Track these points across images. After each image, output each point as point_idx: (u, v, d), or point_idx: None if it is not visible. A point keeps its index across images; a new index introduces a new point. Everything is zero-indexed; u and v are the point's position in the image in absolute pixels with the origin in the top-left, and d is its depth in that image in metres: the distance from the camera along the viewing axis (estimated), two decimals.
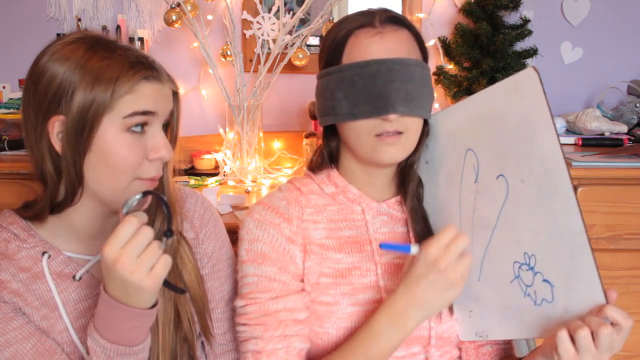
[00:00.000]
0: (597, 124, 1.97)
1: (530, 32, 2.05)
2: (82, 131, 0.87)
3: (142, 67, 0.91)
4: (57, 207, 0.94)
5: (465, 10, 2.07)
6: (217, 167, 1.99)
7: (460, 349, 1.08)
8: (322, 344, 1.00)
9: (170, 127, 0.99)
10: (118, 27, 2.02)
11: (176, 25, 1.84)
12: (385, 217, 1.05)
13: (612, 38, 2.21)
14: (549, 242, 0.89)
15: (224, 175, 1.91)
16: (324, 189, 1.07)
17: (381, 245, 0.95)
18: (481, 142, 0.97)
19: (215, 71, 1.90)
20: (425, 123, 1.03)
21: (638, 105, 2.04)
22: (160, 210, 0.99)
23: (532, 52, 2.05)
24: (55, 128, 0.89)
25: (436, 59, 2.17)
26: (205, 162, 2.00)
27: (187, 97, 2.17)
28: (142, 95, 0.90)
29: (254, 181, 1.88)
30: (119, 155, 0.89)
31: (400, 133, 0.97)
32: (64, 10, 2.10)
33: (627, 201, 1.65)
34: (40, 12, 2.10)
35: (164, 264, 0.83)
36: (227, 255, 1.12)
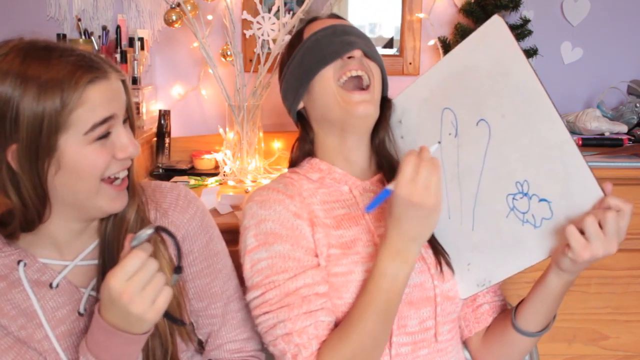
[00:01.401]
0: (597, 124, 1.96)
1: (530, 32, 2.05)
2: (37, 156, 0.84)
3: (83, 71, 0.85)
4: (27, 227, 0.91)
5: (465, 10, 2.07)
6: (217, 167, 1.99)
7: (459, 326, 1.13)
8: (342, 316, 1.00)
9: (128, 118, 0.95)
10: (118, 27, 2.02)
11: (176, 25, 1.84)
12: (372, 194, 1.10)
13: (612, 38, 2.21)
14: (540, 160, 0.95)
15: (224, 175, 1.91)
16: (310, 177, 1.11)
17: (367, 209, 0.98)
18: (456, 97, 1.02)
19: (215, 71, 1.90)
20: (389, 106, 1.13)
21: (638, 105, 2.04)
22: (132, 207, 0.98)
23: (532, 52, 2.05)
24: (14, 158, 0.86)
25: (436, 59, 2.16)
26: (205, 162, 2.00)
27: (187, 97, 2.17)
28: (94, 105, 0.86)
29: (254, 181, 1.88)
30: (89, 163, 0.87)
31: (366, 89, 1.07)
32: (64, 10, 2.10)
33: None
34: (40, 12, 2.10)
35: (166, 297, 0.83)
36: (217, 250, 1.09)
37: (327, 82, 1.06)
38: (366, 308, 0.95)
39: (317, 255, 1.02)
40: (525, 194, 0.97)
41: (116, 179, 0.93)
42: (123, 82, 0.93)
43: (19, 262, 0.94)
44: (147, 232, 0.85)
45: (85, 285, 0.98)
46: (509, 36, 0.93)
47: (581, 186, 0.93)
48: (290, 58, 1.13)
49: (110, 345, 0.84)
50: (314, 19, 1.16)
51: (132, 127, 0.96)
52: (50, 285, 0.95)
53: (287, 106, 1.15)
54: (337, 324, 1.00)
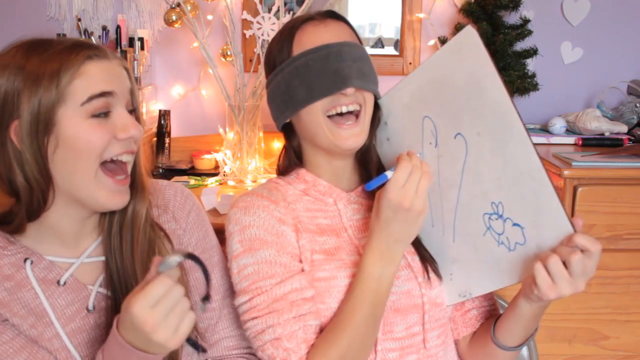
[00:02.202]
0: (597, 124, 1.97)
1: (530, 32, 2.05)
2: (37, 130, 0.86)
3: (82, 48, 0.88)
4: (33, 214, 0.91)
5: (465, 10, 2.07)
6: (217, 167, 1.99)
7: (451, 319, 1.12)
8: (325, 321, 1.01)
9: (134, 110, 0.96)
10: (118, 27, 2.02)
11: (176, 25, 1.84)
12: (356, 205, 1.10)
13: (612, 38, 2.21)
14: (512, 185, 0.92)
15: (224, 175, 1.91)
16: (295, 187, 1.10)
17: (366, 187, 0.99)
18: (435, 107, 1.00)
19: (215, 71, 1.90)
20: (376, 106, 1.09)
21: (638, 105, 2.04)
22: (138, 204, 0.97)
23: (532, 52, 2.05)
24: (17, 135, 0.87)
25: None
26: (205, 162, 2.01)
27: (187, 97, 2.17)
28: (91, 77, 0.87)
29: (254, 181, 1.88)
30: (86, 139, 0.87)
31: (356, 117, 1.04)
32: (64, 10, 2.10)
33: (627, 201, 1.65)
34: (40, 12, 2.10)
35: (189, 324, 0.81)
36: (212, 244, 1.10)
37: (315, 113, 1.03)
38: (353, 310, 0.96)
39: (301, 261, 1.02)
40: (500, 216, 0.95)
41: (119, 167, 0.93)
42: (127, 70, 0.94)
43: (25, 260, 0.94)
44: (177, 258, 0.82)
45: (92, 282, 0.98)
46: (482, 50, 0.90)
47: (551, 218, 0.90)
48: (277, 69, 1.07)
49: None
50: (308, 20, 1.07)
51: (138, 119, 0.96)
52: (58, 283, 0.95)
53: (272, 116, 1.13)
54: (321, 329, 1.01)
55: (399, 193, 0.93)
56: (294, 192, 1.09)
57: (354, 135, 1.03)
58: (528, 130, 0.89)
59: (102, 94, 0.88)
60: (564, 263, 0.88)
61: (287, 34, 1.07)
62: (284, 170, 1.13)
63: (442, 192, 1.02)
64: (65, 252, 0.97)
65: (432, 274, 1.06)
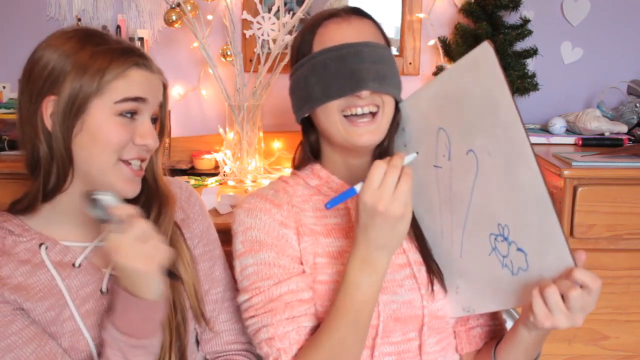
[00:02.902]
0: (597, 124, 1.97)
1: (530, 32, 2.05)
2: (71, 111, 0.92)
3: (133, 54, 0.95)
4: (49, 193, 0.95)
5: (465, 10, 2.07)
6: (217, 167, 1.99)
7: (454, 332, 1.11)
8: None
9: (159, 120, 1.02)
10: (118, 27, 2.02)
11: (176, 25, 1.84)
12: None
13: (612, 38, 2.21)
14: (519, 210, 0.91)
15: (224, 175, 1.91)
16: (308, 182, 1.10)
17: (326, 205, 0.94)
18: (450, 120, 0.99)
19: (215, 71, 1.90)
20: (397, 109, 1.07)
21: (638, 105, 2.04)
22: (155, 205, 1.03)
23: (532, 52, 2.05)
24: (49, 108, 0.93)
25: (436, 59, 2.17)
26: (205, 162, 2.00)
27: (187, 97, 2.17)
28: (132, 81, 0.94)
29: (254, 181, 1.88)
30: (107, 134, 0.93)
31: (373, 115, 1.02)
32: (64, 10, 2.10)
33: (627, 201, 1.65)
34: (40, 12, 2.10)
35: (163, 252, 0.89)
36: (214, 237, 1.15)
37: (331, 112, 1.02)
38: (336, 316, 0.95)
39: (302, 264, 1.03)
40: (506, 239, 0.94)
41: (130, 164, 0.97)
42: (164, 86, 1.01)
43: (40, 245, 0.97)
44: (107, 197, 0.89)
45: (105, 265, 1.01)
46: (497, 68, 0.89)
47: (554, 249, 0.89)
48: (297, 64, 1.06)
49: (127, 314, 0.90)
50: (332, 16, 1.05)
51: (162, 131, 1.03)
52: (73, 265, 0.98)
53: (292, 108, 1.12)
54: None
55: (373, 195, 0.89)
56: (303, 193, 1.09)
57: (369, 132, 1.02)
58: (537, 157, 0.88)
59: (136, 99, 0.94)
60: (563, 296, 0.86)
61: (310, 28, 1.06)
62: (299, 164, 1.14)
63: (453, 206, 1.01)
64: (79, 237, 1.01)
65: (436, 287, 1.05)
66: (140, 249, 0.86)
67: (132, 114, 0.95)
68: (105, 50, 0.93)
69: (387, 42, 1.09)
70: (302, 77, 1.05)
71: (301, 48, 1.06)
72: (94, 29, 0.99)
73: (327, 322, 0.96)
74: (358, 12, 1.07)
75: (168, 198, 1.04)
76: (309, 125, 1.11)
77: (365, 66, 1.00)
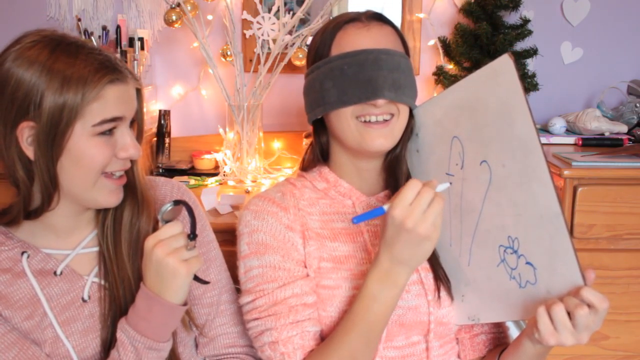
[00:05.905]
0: (597, 124, 1.97)
1: (530, 32, 2.05)
2: (54, 137, 0.89)
3: (107, 70, 0.91)
4: (33, 212, 0.95)
5: (465, 10, 2.07)
6: (217, 167, 1.99)
7: (457, 339, 1.11)
8: (326, 329, 1.01)
9: (135, 123, 1.01)
10: (118, 27, 2.02)
11: (176, 25, 1.84)
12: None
13: (612, 38, 2.21)
14: (530, 225, 0.91)
15: (224, 175, 1.91)
16: (316, 185, 1.10)
17: (354, 220, 0.94)
18: (465, 129, 0.98)
19: (215, 71, 1.90)
20: (411, 115, 1.06)
21: (638, 105, 2.04)
22: (131, 206, 1.03)
23: (532, 52, 2.04)
24: (25, 133, 0.90)
25: (436, 59, 2.17)
26: (205, 162, 2.00)
27: (187, 97, 2.17)
28: (108, 102, 0.91)
29: (254, 181, 1.88)
30: (91, 156, 0.92)
31: (386, 121, 1.01)
32: (64, 10, 2.10)
33: (627, 201, 1.65)
34: (40, 12, 2.10)
35: (198, 260, 0.92)
36: (209, 239, 1.13)
37: (345, 117, 1.02)
38: (350, 327, 0.94)
39: (306, 267, 1.02)
40: (515, 251, 0.94)
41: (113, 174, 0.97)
42: (138, 90, 0.99)
43: (22, 253, 0.97)
44: (167, 206, 0.93)
45: (87, 272, 1.01)
46: (516, 81, 0.88)
47: (564, 266, 0.88)
48: (314, 65, 1.06)
49: (149, 315, 0.91)
50: (352, 20, 1.04)
51: (140, 133, 1.02)
52: (55, 273, 0.98)
53: (305, 109, 1.11)
54: (322, 335, 1.01)
55: (404, 211, 0.88)
56: (310, 196, 1.08)
57: (382, 136, 1.01)
58: (551, 173, 0.87)
59: (113, 119, 0.92)
60: (570, 314, 0.86)
61: (330, 32, 1.05)
62: (307, 166, 1.13)
63: (463, 215, 1.01)
64: (61, 245, 1.00)
65: (443, 293, 1.04)
66: (184, 253, 0.90)
67: (111, 129, 0.93)
68: (79, 70, 0.89)
69: (407, 49, 1.08)
70: (318, 80, 1.04)
71: (319, 49, 1.06)
72: (58, 37, 0.92)
73: (339, 332, 0.96)
74: (379, 18, 1.06)
75: (145, 200, 1.02)
76: (320, 127, 1.10)
77: (382, 74, 0.99)
